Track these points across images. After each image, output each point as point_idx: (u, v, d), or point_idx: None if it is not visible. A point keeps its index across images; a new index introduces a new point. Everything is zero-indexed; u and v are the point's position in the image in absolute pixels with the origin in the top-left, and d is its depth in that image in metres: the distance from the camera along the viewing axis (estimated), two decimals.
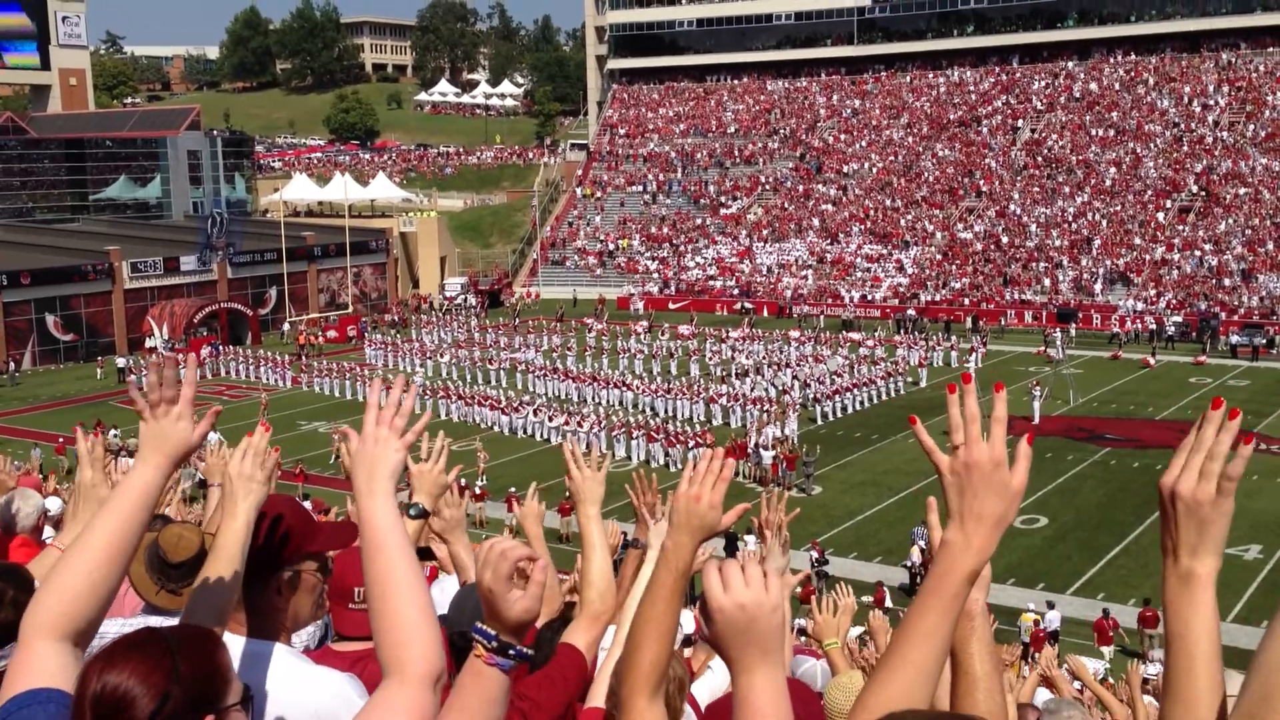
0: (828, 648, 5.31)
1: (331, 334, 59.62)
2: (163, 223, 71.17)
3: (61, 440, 36.72)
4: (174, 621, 2.66)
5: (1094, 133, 70.79)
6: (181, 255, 59.73)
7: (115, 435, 36.35)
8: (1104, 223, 62.73)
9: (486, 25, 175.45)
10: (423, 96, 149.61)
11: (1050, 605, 21.34)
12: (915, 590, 21.58)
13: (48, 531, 6.15)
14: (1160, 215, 62.15)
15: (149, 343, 55.02)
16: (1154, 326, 52.19)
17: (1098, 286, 57.83)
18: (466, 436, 37.66)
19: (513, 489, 29.01)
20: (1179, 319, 52.67)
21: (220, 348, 53.75)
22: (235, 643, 2.74)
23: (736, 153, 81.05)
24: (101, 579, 2.19)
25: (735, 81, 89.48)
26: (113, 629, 3.53)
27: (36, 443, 36.41)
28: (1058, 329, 51.16)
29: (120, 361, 50.58)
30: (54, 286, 54.46)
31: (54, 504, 6.37)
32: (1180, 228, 60.81)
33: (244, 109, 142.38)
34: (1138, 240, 60.51)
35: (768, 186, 76.48)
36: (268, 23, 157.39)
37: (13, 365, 51.19)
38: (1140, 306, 54.93)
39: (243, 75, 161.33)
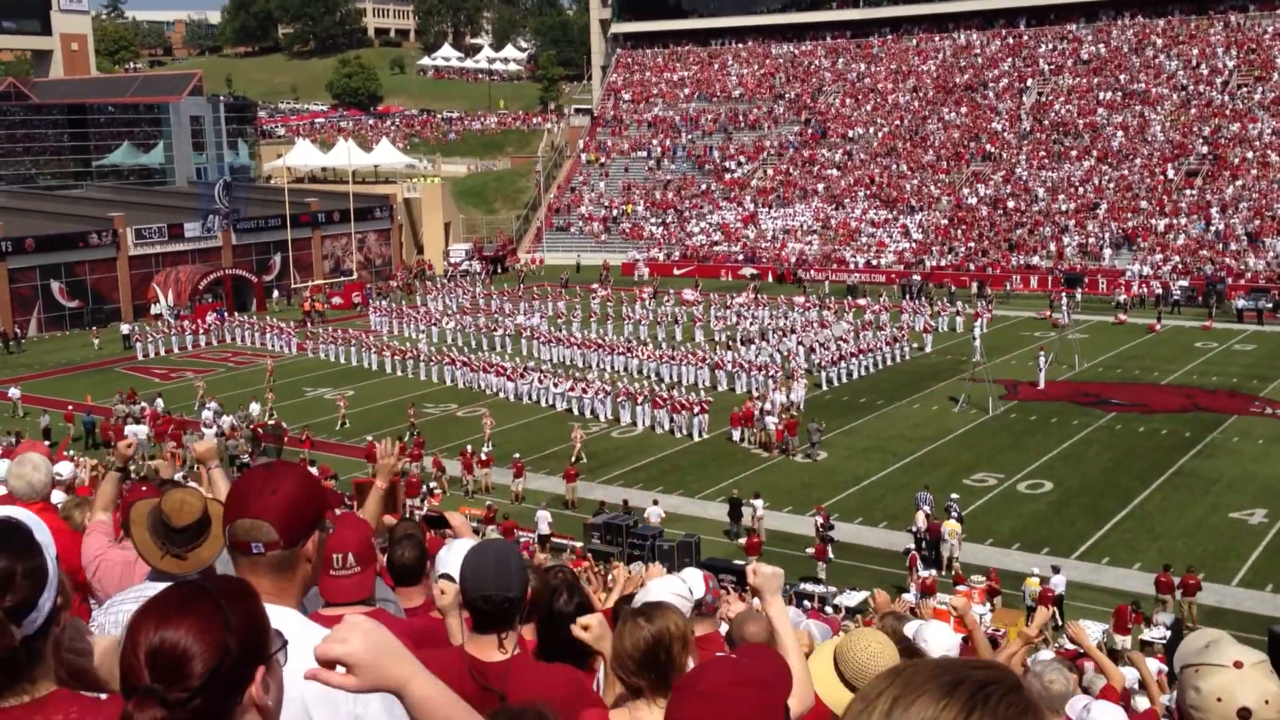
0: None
1: (336, 300, 59.66)
2: (166, 189, 71.01)
3: (71, 407, 36.86)
4: None
5: (1101, 96, 70.23)
6: (185, 222, 59.64)
7: (159, 403, 36.57)
8: (1111, 187, 62.40)
9: None
10: (426, 61, 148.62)
11: (1055, 570, 21.40)
12: (920, 556, 21.41)
13: (58, 495, 6.16)
14: (1168, 174, 61.81)
15: (154, 309, 55.03)
16: (1160, 291, 52.06)
17: (1104, 251, 57.61)
18: (472, 403, 37.74)
19: (517, 455, 29.07)
20: (1185, 283, 52.52)
21: (225, 314, 53.81)
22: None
23: (741, 118, 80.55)
24: None
25: (740, 45, 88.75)
26: (132, 595, 3.55)
27: (45, 410, 36.51)
28: (1064, 294, 51.03)
29: (124, 328, 50.65)
30: (59, 253, 54.43)
31: (65, 469, 6.35)
32: (1187, 191, 60.47)
33: (246, 74, 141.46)
34: (1144, 204, 60.20)
35: (772, 151, 76.07)
36: None
37: (19, 332, 51.29)
38: (1146, 271, 54.75)
39: (245, 40, 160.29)
